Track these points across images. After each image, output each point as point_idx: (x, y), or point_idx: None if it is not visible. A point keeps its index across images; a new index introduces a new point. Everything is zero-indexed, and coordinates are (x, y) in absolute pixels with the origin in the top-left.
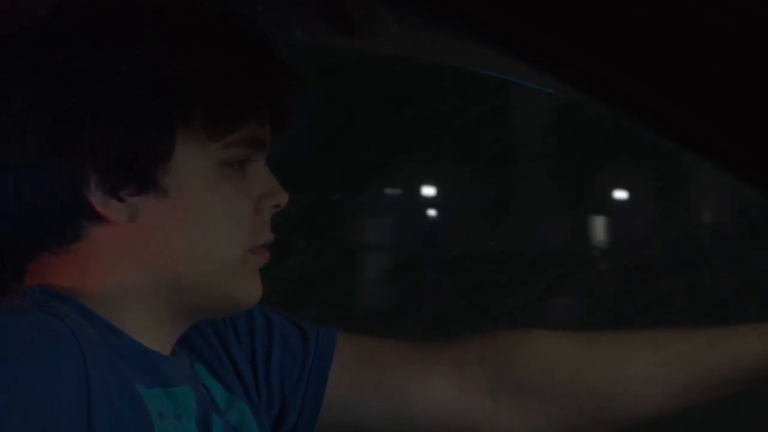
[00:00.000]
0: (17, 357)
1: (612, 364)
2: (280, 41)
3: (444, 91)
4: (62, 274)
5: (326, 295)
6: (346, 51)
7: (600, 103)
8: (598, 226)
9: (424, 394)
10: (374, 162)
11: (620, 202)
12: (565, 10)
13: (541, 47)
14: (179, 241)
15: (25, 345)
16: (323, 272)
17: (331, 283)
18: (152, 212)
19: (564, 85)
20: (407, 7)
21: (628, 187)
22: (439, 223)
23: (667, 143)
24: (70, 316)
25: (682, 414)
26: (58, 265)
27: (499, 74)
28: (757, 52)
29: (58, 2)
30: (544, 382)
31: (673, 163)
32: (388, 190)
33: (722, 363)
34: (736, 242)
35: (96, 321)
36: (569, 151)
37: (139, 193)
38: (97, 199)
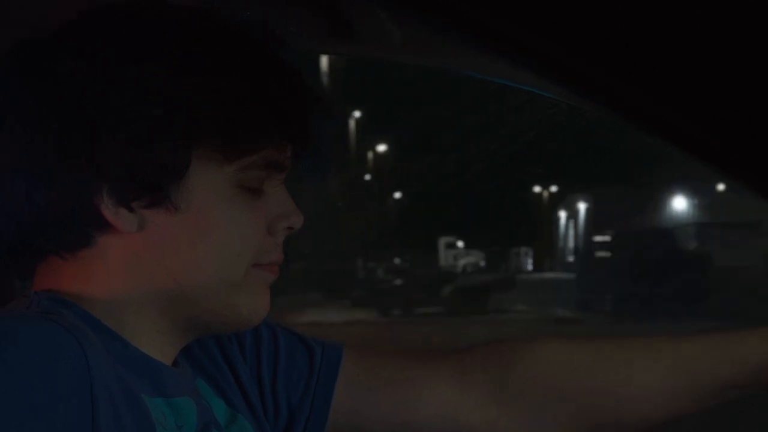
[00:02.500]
0: (20, 365)
1: (614, 369)
2: (298, 58)
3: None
4: (69, 280)
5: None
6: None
7: (598, 107)
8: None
9: (428, 403)
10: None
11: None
12: (563, 14)
13: (540, 52)
14: (187, 256)
15: (29, 353)
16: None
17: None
18: (162, 225)
19: (564, 90)
20: (408, 13)
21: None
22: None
23: (666, 146)
24: (75, 323)
25: (684, 417)
26: (65, 270)
27: (498, 79)
28: (755, 56)
29: (74, 13)
30: (546, 388)
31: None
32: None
33: (725, 367)
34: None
35: (100, 329)
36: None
37: (151, 206)
38: (107, 208)
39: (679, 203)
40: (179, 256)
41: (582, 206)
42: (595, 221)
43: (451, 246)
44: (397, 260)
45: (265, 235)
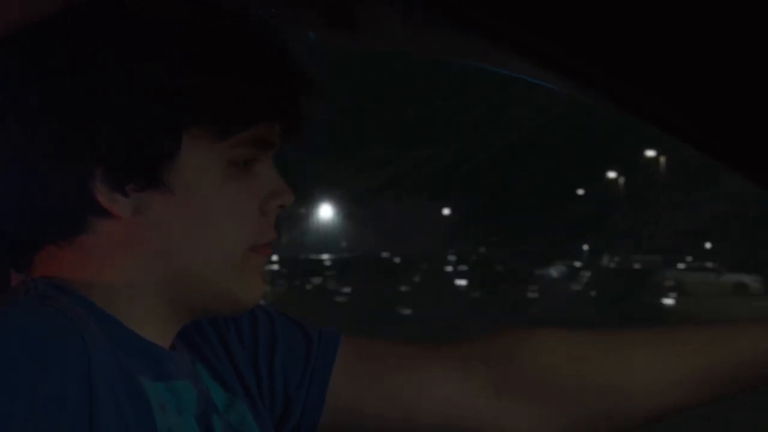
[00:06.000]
0: (19, 352)
1: (616, 362)
2: (292, 41)
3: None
4: (66, 267)
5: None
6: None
7: (602, 101)
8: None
9: (427, 393)
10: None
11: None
12: (569, 13)
13: (544, 50)
14: (182, 238)
15: (28, 340)
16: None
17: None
18: (157, 208)
19: (570, 87)
20: (409, 3)
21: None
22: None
23: (671, 139)
24: (73, 309)
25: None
26: (62, 258)
27: (502, 70)
28: (755, 54)
29: (67, 5)
30: (547, 380)
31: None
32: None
33: (727, 359)
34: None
35: (99, 314)
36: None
37: (145, 189)
38: (102, 193)
39: None
40: (175, 239)
41: None
42: None
43: None
44: None
45: (258, 216)
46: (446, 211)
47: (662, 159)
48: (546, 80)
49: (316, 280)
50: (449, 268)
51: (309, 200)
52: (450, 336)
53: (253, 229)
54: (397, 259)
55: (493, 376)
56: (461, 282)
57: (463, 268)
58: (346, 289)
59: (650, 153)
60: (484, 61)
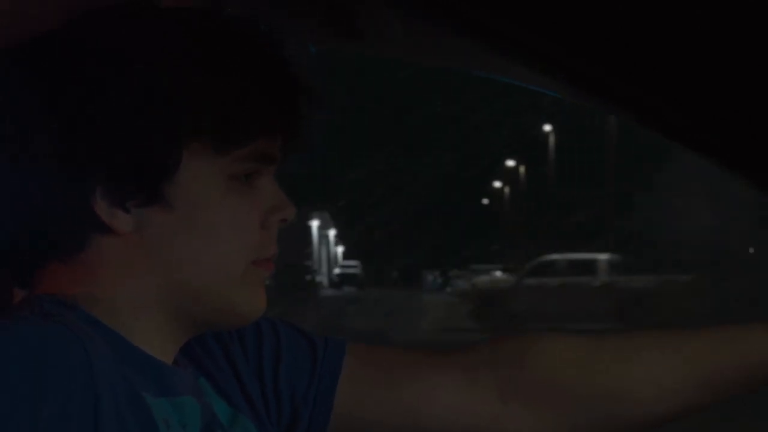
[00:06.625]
0: (23, 367)
1: (621, 366)
2: (294, 54)
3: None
4: (69, 283)
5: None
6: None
7: (603, 106)
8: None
9: (432, 400)
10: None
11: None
12: (569, 15)
13: (544, 52)
14: (184, 253)
15: (32, 355)
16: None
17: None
18: (158, 224)
19: (572, 92)
20: (411, 10)
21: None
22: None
23: (673, 144)
24: (77, 324)
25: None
26: (65, 274)
27: (503, 78)
28: (755, 54)
29: (70, 15)
30: (552, 384)
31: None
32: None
33: (733, 362)
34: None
35: (103, 329)
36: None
37: (146, 205)
38: (102, 210)
39: None
40: (177, 254)
41: None
42: None
43: None
44: None
45: (260, 230)
46: (315, 223)
47: (522, 168)
48: (548, 87)
49: None
50: None
51: None
52: None
53: (254, 243)
54: None
55: (499, 382)
56: None
57: None
58: None
59: (510, 163)
60: (486, 68)
